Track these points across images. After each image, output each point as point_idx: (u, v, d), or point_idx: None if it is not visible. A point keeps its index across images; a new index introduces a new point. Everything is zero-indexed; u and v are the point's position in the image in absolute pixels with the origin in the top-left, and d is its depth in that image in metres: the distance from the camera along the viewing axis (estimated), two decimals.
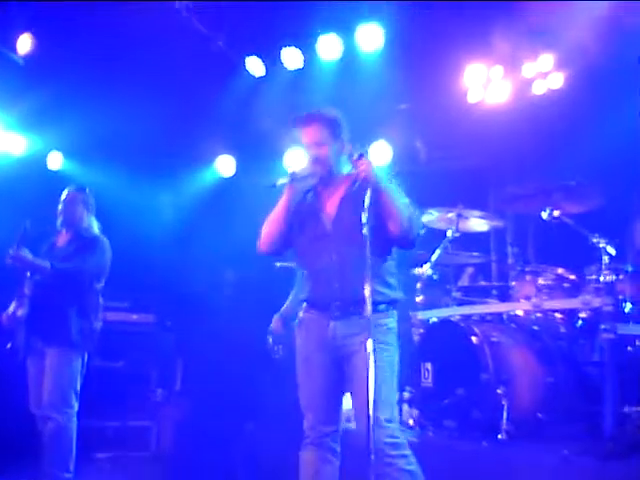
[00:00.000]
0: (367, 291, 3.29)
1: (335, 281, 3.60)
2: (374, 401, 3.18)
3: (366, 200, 3.42)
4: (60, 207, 5.24)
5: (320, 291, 3.69)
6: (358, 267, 3.35)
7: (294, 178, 3.72)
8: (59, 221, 5.26)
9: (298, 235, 3.81)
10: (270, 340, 6.02)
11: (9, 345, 5.03)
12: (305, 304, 3.78)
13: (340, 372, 3.62)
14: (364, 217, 3.38)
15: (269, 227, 3.79)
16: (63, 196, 5.27)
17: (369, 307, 3.28)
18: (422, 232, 3.80)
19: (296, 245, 3.85)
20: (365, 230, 3.36)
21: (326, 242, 3.67)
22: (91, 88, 7.03)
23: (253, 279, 7.53)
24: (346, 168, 3.80)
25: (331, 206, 3.76)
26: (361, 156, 3.56)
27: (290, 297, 5.84)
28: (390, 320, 3.64)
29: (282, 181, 3.72)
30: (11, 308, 5.10)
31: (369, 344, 3.23)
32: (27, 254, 4.96)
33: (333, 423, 3.66)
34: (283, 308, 5.86)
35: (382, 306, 3.60)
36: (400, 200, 3.61)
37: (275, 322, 5.95)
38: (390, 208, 3.55)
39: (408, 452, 3.47)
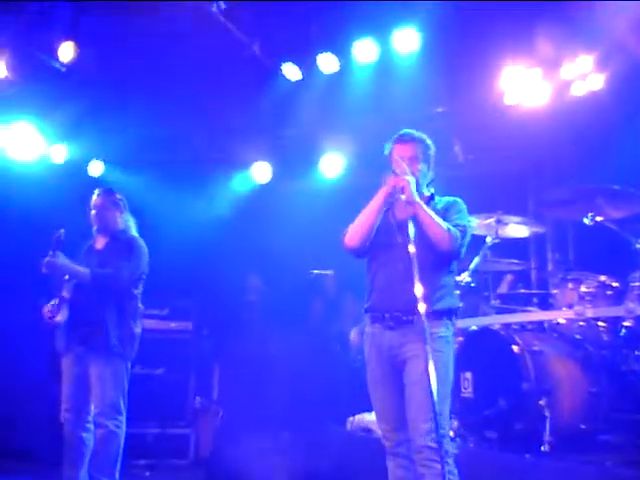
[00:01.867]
0: (419, 300, 3.42)
1: (392, 291, 3.69)
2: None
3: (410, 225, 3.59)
4: (92, 214, 5.22)
5: (379, 300, 3.79)
6: (418, 278, 3.45)
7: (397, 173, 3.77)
8: (94, 229, 5.26)
9: (372, 243, 3.88)
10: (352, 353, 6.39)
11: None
12: (369, 318, 3.84)
13: (400, 381, 3.68)
14: (411, 233, 3.57)
15: (360, 222, 3.84)
16: (92, 201, 5.24)
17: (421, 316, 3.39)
18: (466, 241, 3.88)
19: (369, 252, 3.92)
20: (411, 247, 3.52)
21: (394, 252, 3.73)
22: (129, 95, 7.09)
23: (288, 286, 7.51)
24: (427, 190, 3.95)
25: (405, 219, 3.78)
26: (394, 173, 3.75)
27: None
28: (442, 329, 3.68)
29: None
30: (51, 303, 5.05)
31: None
32: (65, 260, 4.96)
33: (402, 431, 3.69)
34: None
35: (435, 315, 3.64)
36: (430, 214, 3.71)
37: (353, 334, 6.31)
38: (423, 222, 3.68)
39: (449, 460, 3.49)
